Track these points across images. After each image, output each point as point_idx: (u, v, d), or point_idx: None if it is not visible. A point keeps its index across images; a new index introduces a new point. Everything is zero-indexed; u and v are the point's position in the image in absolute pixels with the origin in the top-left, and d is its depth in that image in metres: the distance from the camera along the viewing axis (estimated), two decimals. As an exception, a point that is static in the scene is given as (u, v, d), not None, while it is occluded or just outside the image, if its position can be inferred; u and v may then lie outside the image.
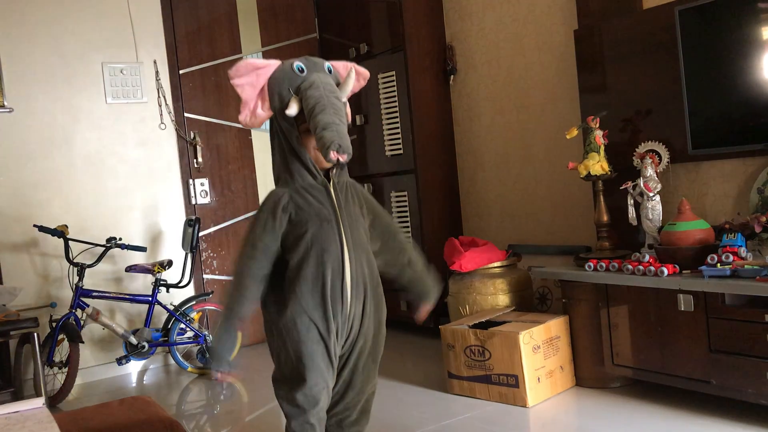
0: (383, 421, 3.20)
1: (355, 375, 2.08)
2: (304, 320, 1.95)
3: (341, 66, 2.04)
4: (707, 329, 2.82)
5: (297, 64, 1.93)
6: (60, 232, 4.09)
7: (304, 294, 1.94)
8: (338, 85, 1.95)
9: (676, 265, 2.97)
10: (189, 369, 4.41)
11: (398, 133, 4.67)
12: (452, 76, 4.73)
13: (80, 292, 4.09)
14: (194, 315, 4.38)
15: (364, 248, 2.02)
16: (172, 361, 4.60)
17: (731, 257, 2.79)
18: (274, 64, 1.94)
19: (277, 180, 2.01)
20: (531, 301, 4.01)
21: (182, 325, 4.32)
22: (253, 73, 1.91)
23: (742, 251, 2.83)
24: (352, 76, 1.95)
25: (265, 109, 1.93)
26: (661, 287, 2.96)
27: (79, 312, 4.10)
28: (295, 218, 1.92)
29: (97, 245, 4.24)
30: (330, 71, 1.97)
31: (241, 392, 4.12)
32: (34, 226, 4.13)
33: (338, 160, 1.78)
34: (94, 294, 4.15)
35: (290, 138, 1.93)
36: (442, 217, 4.74)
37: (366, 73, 2.09)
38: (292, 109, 1.87)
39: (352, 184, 2.05)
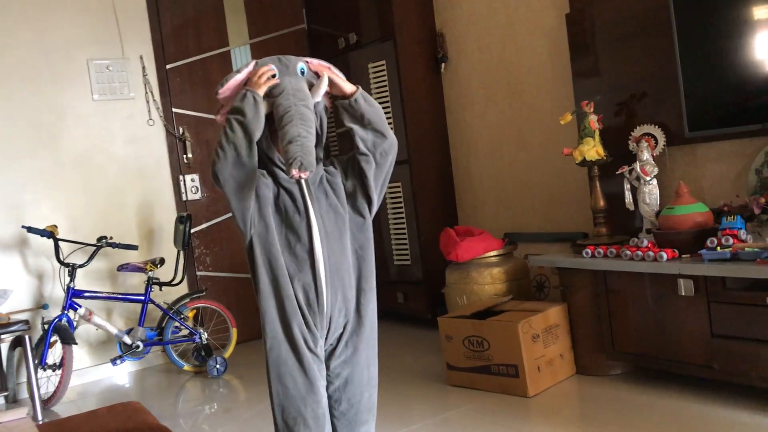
0: (382, 415, 3.14)
1: (352, 369, 2.04)
2: (277, 311, 1.94)
3: (316, 65, 2.00)
4: (708, 314, 2.78)
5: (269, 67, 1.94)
6: (49, 233, 4.03)
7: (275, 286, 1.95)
8: (311, 87, 1.93)
9: (675, 250, 2.93)
10: (185, 367, 4.36)
11: (390, 123, 4.61)
12: (443, 64, 4.67)
13: (72, 293, 4.03)
14: (188, 313, 4.32)
15: (341, 239, 1.99)
16: (167, 360, 4.54)
17: (731, 240, 2.75)
18: (251, 67, 1.95)
19: None
20: (528, 290, 3.97)
21: (177, 324, 4.26)
22: (237, 84, 1.93)
23: (742, 234, 2.79)
24: (325, 81, 1.94)
25: None
26: (660, 272, 2.92)
27: (71, 313, 4.03)
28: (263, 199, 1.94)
29: (87, 245, 4.17)
30: (303, 73, 1.95)
31: (238, 389, 4.08)
32: (23, 227, 4.07)
33: (300, 176, 1.79)
34: (86, 294, 4.09)
35: (261, 139, 1.93)
36: (437, 207, 4.69)
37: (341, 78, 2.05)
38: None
39: (327, 176, 2.02)
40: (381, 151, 1.98)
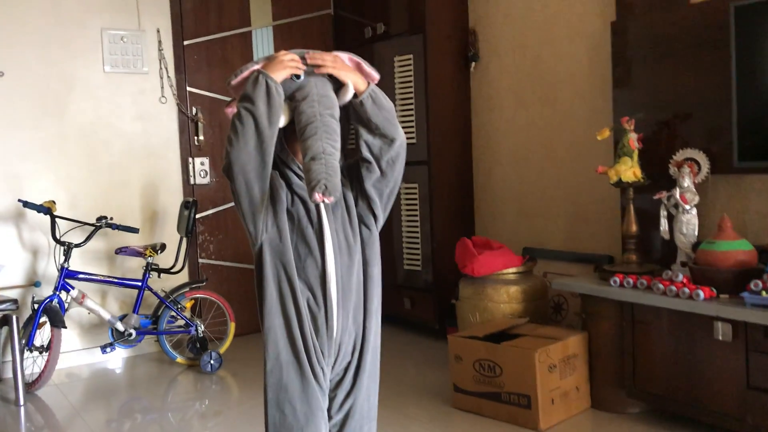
0: (382, 437, 2.95)
1: (354, 401, 1.84)
2: (283, 330, 1.73)
3: (346, 59, 1.77)
4: (746, 363, 2.56)
5: None
6: (47, 209, 3.83)
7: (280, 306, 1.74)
8: (337, 90, 1.70)
9: (713, 289, 2.71)
10: (178, 360, 4.16)
11: (412, 121, 4.39)
12: (473, 63, 4.43)
13: (65, 273, 3.84)
14: (186, 303, 4.12)
15: (351, 256, 1.78)
16: (161, 349, 4.33)
17: (778, 285, 2.52)
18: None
19: None
20: (546, 311, 3.75)
21: (173, 313, 4.07)
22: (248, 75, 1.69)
23: (791, 279, 2.55)
24: (350, 91, 1.70)
25: None
26: (695, 312, 2.69)
27: (63, 294, 3.85)
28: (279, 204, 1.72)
29: (86, 224, 3.98)
30: (331, 74, 1.72)
31: (231, 387, 3.89)
32: (19, 201, 3.87)
33: (324, 201, 1.57)
34: (80, 276, 3.90)
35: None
36: (454, 213, 4.46)
37: (375, 77, 1.81)
38: (281, 120, 1.66)
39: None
40: (388, 159, 1.75)
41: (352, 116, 1.75)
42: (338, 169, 1.60)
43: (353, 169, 1.80)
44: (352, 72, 1.73)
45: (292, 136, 1.71)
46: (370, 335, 1.84)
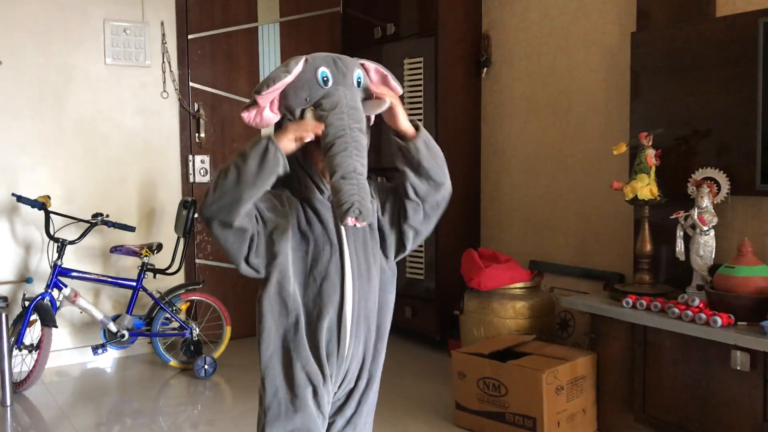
0: (380, 456, 2.85)
1: (353, 430, 1.74)
2: (279, 373, 1.63)
3: (372, 70, 1.66)
4: (764, 395, 2.45)
5: (322, 70, 1.56)
6: (41, 204, 3.72)
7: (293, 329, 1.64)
8: (365, 99, 1.59)
9: (731, 316, 2.60)
10: (171, 363, 4.05)
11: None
12: (485, 69, 4.31)
13: (58, 271, 3.73)
14: (182, 305, 4.01)
15: (370, 280, 1.67)
16: (153, 351, 4.22)
17: (801, 316, 2.42)
18: (301, 66, 1.58)
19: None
20: (552, 328, 3.65)
21: (168, 315, 3.95)
22: (281, 88, 1.56)
23: (814, 309, 2.45)
24: (384, 107, 1.59)
25: (275, 111, 1.59)
26: (711, 339, 2.58)
27: (55, 292, 3.73)
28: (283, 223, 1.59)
29: (81, 221, 3.86)
30: (359, 83, 1.60)
31: (225, 394, 3.78)
32: (13, 195, 3.75)
33: (356, 225, 1.46)
34: (74, 274, 3.79)
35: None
36: (459, 222, 4.35)
37: (399, 91, 1.70)
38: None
39: None
40: (432, 203, 1.66)
41: (399, 158, 1.63)
42: (369, 191, 1.49)
43: (393, 199, 1.69)
44: (404, 111, 1.62)
45: (315, 147, 1.59)
46: (377, 363, 1.74)
